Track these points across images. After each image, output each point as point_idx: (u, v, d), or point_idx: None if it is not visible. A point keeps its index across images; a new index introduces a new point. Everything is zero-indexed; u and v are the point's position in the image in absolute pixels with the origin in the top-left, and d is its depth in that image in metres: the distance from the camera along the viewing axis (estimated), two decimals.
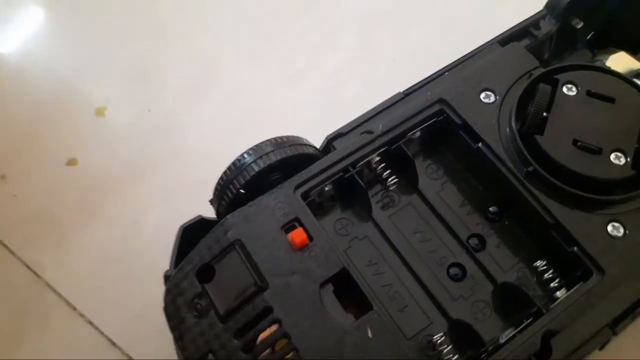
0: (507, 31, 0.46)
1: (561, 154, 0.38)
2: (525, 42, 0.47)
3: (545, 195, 0.37)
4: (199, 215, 0.40)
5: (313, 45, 0.64)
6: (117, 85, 0.62)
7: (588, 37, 0.53)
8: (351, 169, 0.39)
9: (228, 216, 0.37)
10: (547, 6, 0.48)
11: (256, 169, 0.39)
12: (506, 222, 0.40)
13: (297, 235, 0.36)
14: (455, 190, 0.42)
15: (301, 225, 0.37)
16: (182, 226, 0.40)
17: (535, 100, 0.39)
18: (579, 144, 0.38)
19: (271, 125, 0.56)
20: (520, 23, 0.46)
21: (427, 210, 0.41)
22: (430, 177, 0.42)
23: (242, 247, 0.36)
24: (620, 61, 0.47)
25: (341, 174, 0.39)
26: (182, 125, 0.59)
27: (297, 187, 0.38)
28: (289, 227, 0.37)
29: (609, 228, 0.36)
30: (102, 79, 0.62)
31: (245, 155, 0.40)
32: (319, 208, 0.41)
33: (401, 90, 0.44)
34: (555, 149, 0.38)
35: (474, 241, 0.40)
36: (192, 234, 0.39)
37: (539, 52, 0.47)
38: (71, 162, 0.57)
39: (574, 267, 0.36)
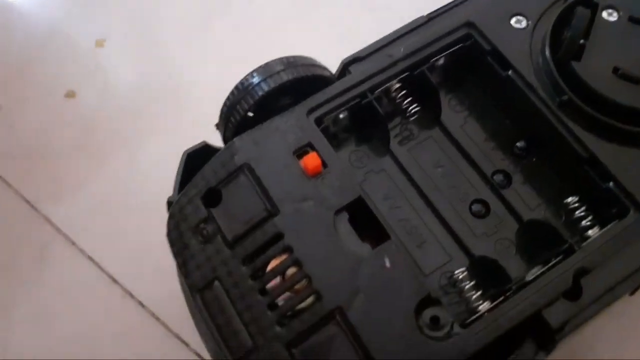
0: None
1: (600, 83, 0.34)
2: None
3: (579, 127, 0.35)
4: (204, 141, 0.38)
5: None
6: (118, 18, 0.58)
7: None
8: (369, 95, 0.36)
9: (235, 139, 0.34)
10: None
11: (265, 88, 0.36)
12: (534, 159, 0.37)
13: (311, 160, 0.33)
14: (480, 124, 0.39)
15: (314, 151, 0.34)
16: (186, 151, 0.37)
17: (573, 25, 0.35)
18: (619, 72, 0.35)
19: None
20: None
21: (449, 145, 0.38)
22: (453, 109, 0.39)
23: (251, 171, 0.33)
24: None
25: (358, 99, 0.36)
26: (184, 58, 0.56)
27: (311, 111, 0.35)
28: (301, 153, 0.34)
29: None
30: (103, 10, 0.59)
31: (254, 75, 0.36)
32: (333, 138, 0.38)
33: (424, 15, 0.40)
34: (594, 76, 0.35)
35: (498, 177, 0.37)
36: (196, 161, 0.36)
37: None
38: (70, 94, 0.54)
39: (608, 204, 0.34)
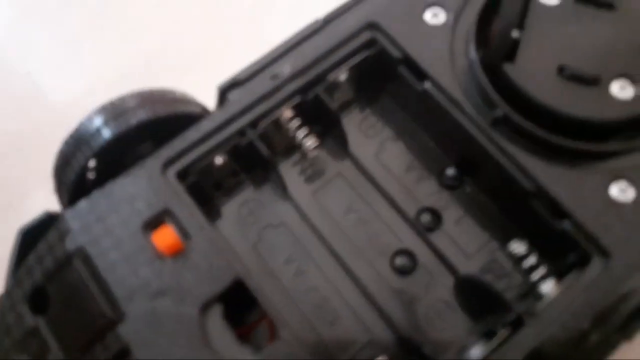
0: None
1: (541, 88, 0.26)
2: None
3: (521, 149, 0.26)
4: (46, 211, 0.29)
5: None
6: None
7: None
8: (249, 132, 0.28)
9: (66, 211, 0.26)
10: None
11: (108, 135, 0.27)
12: (468, 189, 0.30)
13: (163, 236, 0.24)
14: (400, 150, 0.31)
15: (173, 220, 0.25)
16: (21, 229, 0.28)
17: (502, 14, 0.27)
18: (566, 71, 0.26)
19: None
20: None
21: (362, 181, 0.30)
22: (365, 134, 0.31)
23: (86, 260, 0.25)
24: None
25: (236, 138, 0.28)
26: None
27: (168, 163, 0.27)
28: (157, 225, 0.25)
29: (613, 190, 0.26)
30: None
31: (96, 116, 0.28)
32: (215, 188, 0.29)
33: (320, 17, 0.32)
34: (532, 80, 0.26)
35: (426, 218, 0.29)
36: (39, 239, 0.28)
37: None
38: None
39: (565, 249, 0.26)
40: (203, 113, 0.29)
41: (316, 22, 0.32)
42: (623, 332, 0.26)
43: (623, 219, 0.25)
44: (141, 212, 0.25)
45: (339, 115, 0.30)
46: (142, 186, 0.26)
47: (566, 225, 0.25)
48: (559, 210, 0.26)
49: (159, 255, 0.24)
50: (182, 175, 0.27)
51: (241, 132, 0.28)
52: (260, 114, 0.28)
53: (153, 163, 0.26)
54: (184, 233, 0.25)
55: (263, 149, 0.28)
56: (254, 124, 0.28)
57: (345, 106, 0.32)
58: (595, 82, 0.26)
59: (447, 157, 0.30)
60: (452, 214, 0.29)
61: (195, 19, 0.50)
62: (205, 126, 0.27)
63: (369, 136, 0.31)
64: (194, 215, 0.25)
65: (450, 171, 0.30)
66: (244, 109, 0.28)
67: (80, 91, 0.47)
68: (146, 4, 0.51)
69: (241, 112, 0.28)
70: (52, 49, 0.49)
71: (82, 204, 0.26)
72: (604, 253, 0.25)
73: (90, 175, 0.27)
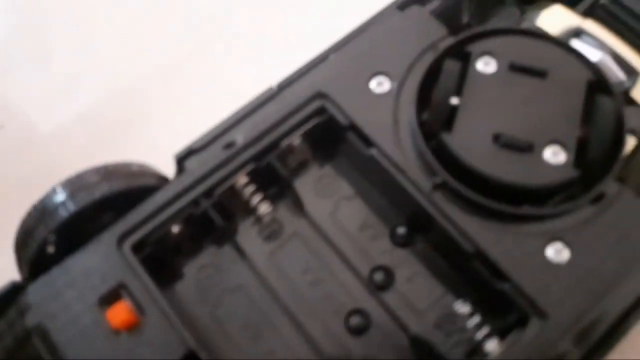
0: None
1: (477, 156, 0.27)
2: (434, 3, 0.36)
3: (462, 213, 0.28)
4: (11, 281, 0.30)
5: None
6: None
7: None
8: (203, 202, 0.29)
9: (30, 287, 0.27)
10: None
11: (71, 210, 0.28)
12: (420, 247, 0.31)
13: (117, 312, 0.25)
14: (355, 209, 0.32)
15: (129, 294, 0.26)
16: None
17: (440, 84, 0.29)
18: (501, 139, 0.28)
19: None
20: None
21: (318, 240, 0.31)
22: (321, 194, 0.32)
23: (45, 336, 0.26)
24: (554, 17, 0.36)
25: (191, 209, 0.29)
26: None
27: (124, 236, 0.28)
28: (111, 299, 0.26)
29: (549, 252, 0.27)
30: None
31: (57, 190, 0.29)
32: (174, 253, 0.30)
33: (275, 84, 0.33)
34: (469, 149, 0.28)
35: (379, 276, 0.30)
36: (5, 310, 0.29)
37: (454, 15, 0.36)
38: None
39: (506, 309, 0.27)
40: (160, 184, 0.30)
41: (269, 89, 0.33)
42: None
43: (559, 279, 0.26)
44: (97, 287, 0.26)
45: (291, 180, 0.31)
46: (98, 261, 0.27)
47: (505, 286, 0.26)
48: (498, 272, 0.27)
49: (114, 331, 0.25)
50: (138, 248, 0.28)
51: (195, 202, 0.29)
52: (215, 183, 0.29)
53: (109, 237, 0.27)
54: (139, 307, 0.26)
55: (217, 218, 0.29)
56: (208, 193, 0.29)
57: (302, 166, 0.33)
58: (529, 149, 0.27)
59: (399, 216, 0.31)
60: (405, 271, 0.30)
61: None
62: (159, 198, 0.29)
63: (325, 196, 0.32)
64: (148, 289, 0.26)
65: (402, 229, 0.31)
66: (198, 179, 0.29)
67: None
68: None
69: (195, 183, 0.29)
70: None
71: (42, 279, 0.27)
72: (541, 314, 0.26)
73: (50, 249, 0.28)
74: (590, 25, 0.36)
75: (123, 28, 0.53)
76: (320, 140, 0.32)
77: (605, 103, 0.28)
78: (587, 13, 0.38)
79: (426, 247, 0.31)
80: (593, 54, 0.35)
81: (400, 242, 0.31)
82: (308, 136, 0.31)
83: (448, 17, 0.35)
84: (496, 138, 0.28)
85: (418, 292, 0.30)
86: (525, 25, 0.34)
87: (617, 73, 0.35)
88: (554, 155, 0.27)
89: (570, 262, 0.27)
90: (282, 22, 0.53)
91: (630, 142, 0.33)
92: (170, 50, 0.52)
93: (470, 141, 0.28)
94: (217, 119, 0.33)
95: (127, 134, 0.48)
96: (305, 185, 0.32)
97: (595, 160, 0.27)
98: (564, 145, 0.27)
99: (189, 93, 0.49)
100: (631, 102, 0.35)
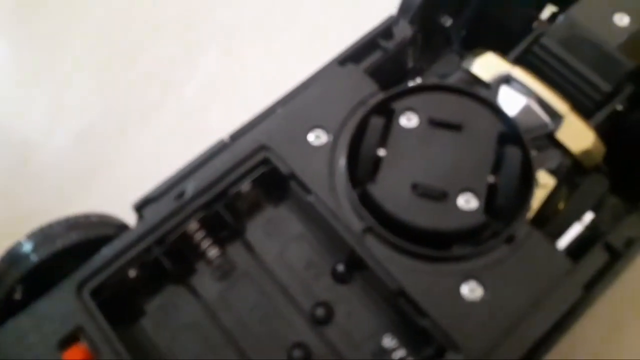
0: (351, 47, 0.38)
1: (397, 204, 0.31)
2: (377, 56, 0.39)
3: (387, 255, 0.31)
4: None
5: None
6: None
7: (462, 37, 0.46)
8: (155, 249, 0.32)
9: None
10: (400, 9, 0.41)
11: (35, 260, 0.31)
12: (358, 283, 0.34)
13: (72, 354, 0.28)
14: (301, 249, 0.35)
15: (86, 337, 0.29)
16: None
17: (365, 139, 0.32)
18: (419, 188, 0.31)
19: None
20: (366, 35, 0.39)
21: (267, 279, 0.34)
22: (270, 235, 0.35)
23: None
24: (487, 65, 0.40)
25: (145, 256, 0.32)
26: None
27: (83, 282, 0.31)
28: (70, 342, 0.29)
29: (464, 290, 0.30)
30: None
31: (24, 241, 0.32)
32: (133, 294, 0.33)
33: (226, 136, 0.36)
34: (390, 198, 0.31)
35: (320, 311, 0.33)
36: None
37: (398, 64, 0.40)
38: None
39: (427, 342, 0.30)
40: (118, 232, 0.33)
41: (220, 142, 0.36)
42: None
43: (472, 316, 0.29)
44: (57, 331, 0.29)
45: (242, 224, 0.34)
46: (58, 306, 0.30)
47: (425, 322, 0.29)
48: (419, 309, 0.30)
49: None
50: (96, 292, 0.31)
51: (148, 250, 0.32)
52: (166, 231, 0.32)
53: (69, 284, 0.30)
54: (95, 348, 0.29)
55: (168, 263, 0.32)
56: (160, 241, 0.32)
57: (256, 207, 0.36)
58: (443, 196, 0.30)
59: (339, 255, 0.34)
60: (344, 307, 0.33)
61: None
62: (115, 247, 0.32)
63: (274, 237, 0.35)
64: (104, 330, 0.29)
65: (341, 267, 0.34)
66: (150, 228, 0.32)
67: None
68: None
69: (148, 232, 0.32)
70: None
71: (8, 324, 0.30)
72: (455, 347, 0.29)
73: (17, 296, 0.31)
74: (519, 73, 0.40)
75: (92, 76, 0.56)
76: (271, 185, 0.35)
77: (513, 153, 0.31)
78: (519, 59, 0.41)
79: (363, 284, 0.34)
80: (519, 100, 0.39)
81: (340, 279, 0.34)
82: (259, 182, 0.34)
83: (392, 68, 0.38)
84: (414, 187, 0.31)
85: (355, 326, 0.32)
86: (455, 76, 0.38)
87: (542, 117, 0.39)
88: (466, 202, 0.30)
89: (483, 300, 0.29)
90: (247, 69, 0.56)
91: (551, 182, 0.36)
92: (138, 96, 0.55)
93: (391, 190, 0.31)
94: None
95: (98, 180, 0.50)
96: (257, 227, 0.35)
97: (504, 205, 0.30)
98: (475, 192, 0.30)
99: (160, 137, 0.53)
100: (556, 143, 0.39)
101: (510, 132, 0.32)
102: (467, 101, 0.33)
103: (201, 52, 0.56)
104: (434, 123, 0.32)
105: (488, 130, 0.32)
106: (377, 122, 0.32)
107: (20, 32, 0.59)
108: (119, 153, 0.52)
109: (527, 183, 0.31)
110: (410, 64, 0.44)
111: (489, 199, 0.30)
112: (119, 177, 0.50)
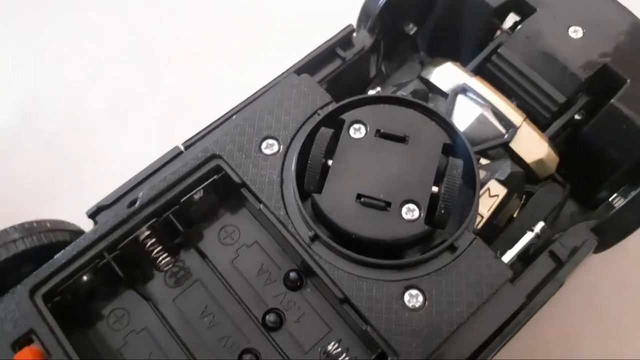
0: (307, 56, 0.39)
1: (342, 215, 0.31)
2: (336, 65, 0.40)
3: (332, 263, 0.31)
4: None
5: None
6: None
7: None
8: (106, 255, 0.33)
9: None
10: (359, 18, 0.42)
11: None
12: (309, 289, 0.34)
13: (22, 355, 0.29)
14: (253, 256, 0.35)
15: (38, 340, 0.30)
16: None
17: (313, 149, 0.32)
18: (362, 199, 0.32)
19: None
20: (323, 44, 0.40)
21: (218, 286, 0.35)
22: (223, 242, 0.36)
23: None
24: (446, 74, 0.41)
25: (96, 261, 0.33)
26: None
27: (37, 287, 0.31)
28: (23, 345, 0.30)
29: (406, 298, 0.30)
30: None
31: None
32: (88, 297, 0.34)
33: (180, 143, 0.37)
34: (335, 207, 0.31)
35: (271, 318, 0.34)
36: None
37: (360, 73, 0.40)
38: None
39: (370, 348, 0.31)
40: (73, 238, 0.34)
41: (175, 148, 0.37)
42: None
43: (412, 322, 0.30)
44: (10, 334, 0.30)
45: (192, 233, 0.35)
46: (12, 310, 0.31)
47: (367, 328, 0.30)
48: (362, 316, 0.30)
49: None
50: (49, 297, 0.31)
51: (100, 255, 0.33)
52: (117, 238, 0.33)
53: (22, 288, 0.31)
54: (46, 351, 0.30)
55: (119, 270, 0.33)
56: (111, 247, 0.33)
57: (210, 214, 0.36)
58: (387, 207, 0.31)
59: (291, 262, 0.34)
60: (294, 313, 0.34)
61: None
62: (68, 252, 0.32)
63: (228, 244, 0.36)
64: (55, 334, 0.30)
65: (293, 274, 0.34)
66: (103, 234, 0.33)
67: None
68: None
69: (100, 238, 0.33)
70: None
71: None
72: (394, 353, 0.29)
73: None
74: (475, 83, 0.40)
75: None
76: (227, 192, 0.36)
77: (457, 164, 0.31)
78: (478, 69, 0.42)
79: (314, 290, 0.34)
80: (475, 110, 0.40)
81: (292, 286, 0.34)
82: (213, 189, 0.35)
83: (355, 75, 0.39)
84: (359, 198, 0.32)
85: (305, 332, 0.33)
86: (416, 82, 0.39)
87: (497, 126, 0.39)
88: (409, 212, 0.31)
89: (423, 307, 0.30)
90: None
91: (502, 192, 0.37)
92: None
93: (337, 200, 0.32)
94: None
95: (61, 187, 0.51)
96: (211, 233, 0.36)
97: (446, 215, 0.31)
98: (417, 203, 0.31)
99: (132, 142, 0.54)
100: (511, 153, 0.40)
101: (456, 143, 0.33)
102: (415, 112, 0.34)
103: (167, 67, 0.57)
104: (381, 134, 0.33)
105: (434, 141, 0.33)
106: (325, 132, 0.33)
107: None
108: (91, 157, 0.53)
109: (472, 193, 0.32)
110: (373, 72, 0.45)
111: (432, 209, 0.31)
112: (91, 182, 0.51)
